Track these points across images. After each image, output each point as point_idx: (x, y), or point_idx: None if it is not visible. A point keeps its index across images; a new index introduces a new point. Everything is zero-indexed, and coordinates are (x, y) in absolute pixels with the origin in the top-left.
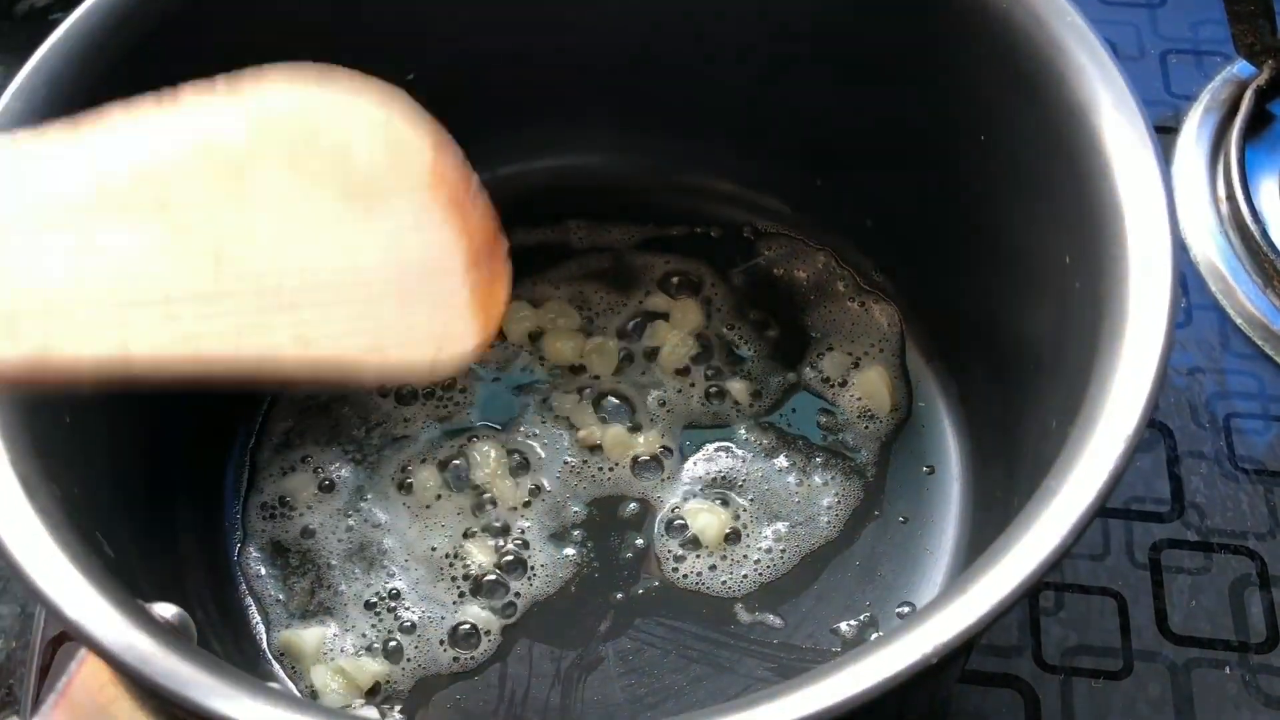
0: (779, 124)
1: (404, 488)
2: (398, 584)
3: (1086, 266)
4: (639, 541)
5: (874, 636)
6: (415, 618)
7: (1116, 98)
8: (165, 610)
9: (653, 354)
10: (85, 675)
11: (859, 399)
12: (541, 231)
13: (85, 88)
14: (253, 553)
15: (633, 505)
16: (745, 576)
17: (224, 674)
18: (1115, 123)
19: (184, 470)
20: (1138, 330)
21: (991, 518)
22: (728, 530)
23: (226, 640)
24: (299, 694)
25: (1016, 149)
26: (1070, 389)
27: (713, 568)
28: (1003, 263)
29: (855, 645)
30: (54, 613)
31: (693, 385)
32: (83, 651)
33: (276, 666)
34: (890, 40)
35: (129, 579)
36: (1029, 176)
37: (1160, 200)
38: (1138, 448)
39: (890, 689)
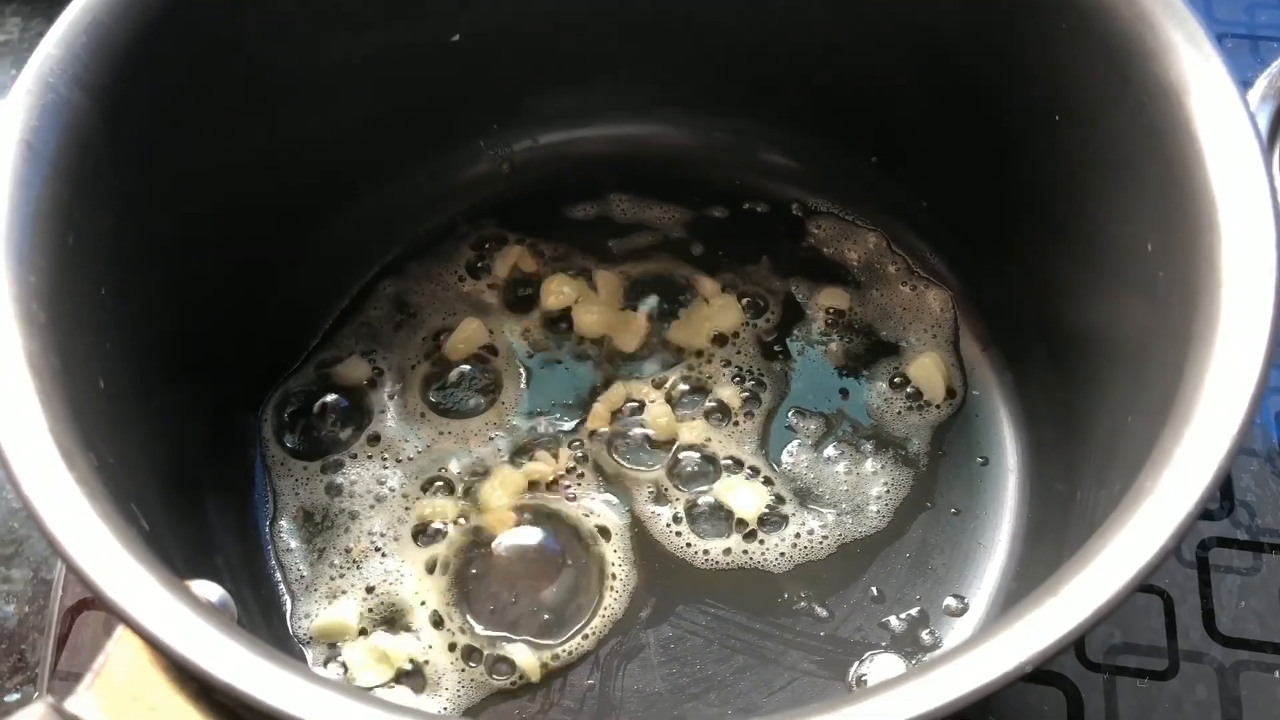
0: (836, 98)
1: (435, 463)
2: (430, 563)
3: (1172, 256)
4: (681, 526)
5: (924, 632)
6: (447, 599)
7: (1212, 78)
8: (206, 589)
9: (693, 335)
10: (121, 656)
11: (911, 386)
12: (584, 206)
13: (127, 33)
14: (284, 526)
15: (674, 487)
16: (792, 565)
17: (270, 659)
18: (1210, 105)
19: (214, 443)
20: (1237, 324)
21: (1049, 512)
22: (767, 508)
23: (255, 615)
24: (325, 672)
25: (1096, 129)
26: (1151, 383)
27: (759, 556)
28: (1072, 249)
29: (903, 639)
30: (96, 594)
31: (738, 369)
32: (118, 630)
33: (307, 643)
34: (964, 11)
35: (163, 553)
36: (1108, 159)
37: (1263, 188)
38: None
39: (992, 691)
